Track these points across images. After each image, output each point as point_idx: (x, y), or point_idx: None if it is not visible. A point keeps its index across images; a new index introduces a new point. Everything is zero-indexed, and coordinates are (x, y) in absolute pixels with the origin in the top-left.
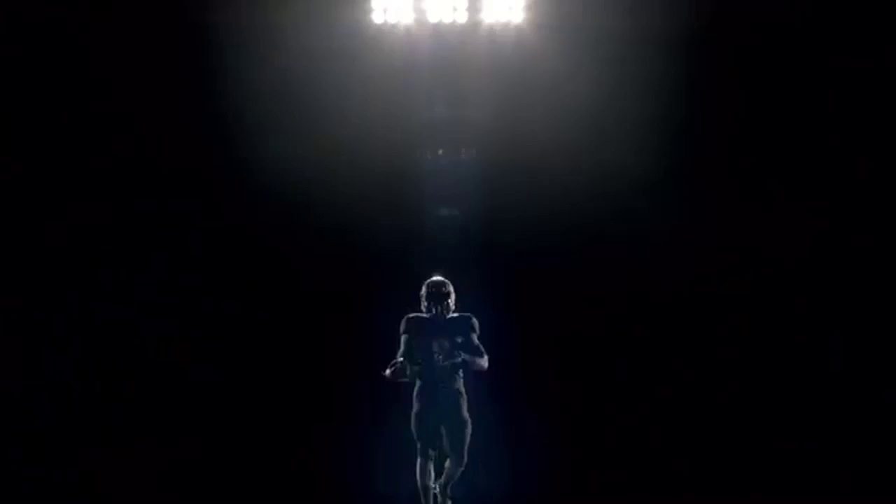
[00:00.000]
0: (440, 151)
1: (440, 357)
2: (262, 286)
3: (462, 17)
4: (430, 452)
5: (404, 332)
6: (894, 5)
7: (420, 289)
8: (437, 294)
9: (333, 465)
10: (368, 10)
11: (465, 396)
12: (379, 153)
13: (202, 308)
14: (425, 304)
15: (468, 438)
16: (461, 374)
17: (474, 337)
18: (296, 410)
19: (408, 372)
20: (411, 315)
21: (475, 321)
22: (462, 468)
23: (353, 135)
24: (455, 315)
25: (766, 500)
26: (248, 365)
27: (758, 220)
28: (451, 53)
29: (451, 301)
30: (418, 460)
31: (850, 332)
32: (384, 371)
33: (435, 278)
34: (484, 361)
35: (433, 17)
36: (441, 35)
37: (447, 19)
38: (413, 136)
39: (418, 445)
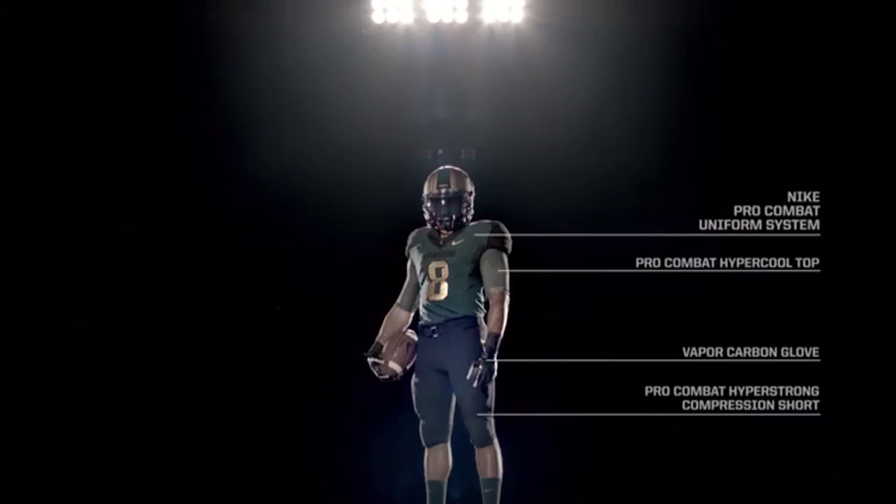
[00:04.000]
0: (440, 151)
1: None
2: (260, 285)
3: (462, 17)
4: (436, 433)
5: (407, 256)
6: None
7: None
8: (438, 195)
9: (333, 465)
10: (368, 10)
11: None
12: (379, 153)
13: (200, 307)
14: (425, 212)
15: (490, 399)
16: (478, 303)
17: (490, 261)
18: (294, 410)
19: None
20: (419, 229)
21: (498, 234)
22: (495, 449)
23: (352, 135)
24: (472, 225)
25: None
26: (247, 364)
27: (758, 220)
28: (451, 53)
29: (466, 207)
30: (425, 451)
31: (854, 334)
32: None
33: (440, 168)
34: (497, 314)
35: (433, 17)
36: (441, 35)
37: (447, 19)
38: (413, 136)
39: (421, 424)
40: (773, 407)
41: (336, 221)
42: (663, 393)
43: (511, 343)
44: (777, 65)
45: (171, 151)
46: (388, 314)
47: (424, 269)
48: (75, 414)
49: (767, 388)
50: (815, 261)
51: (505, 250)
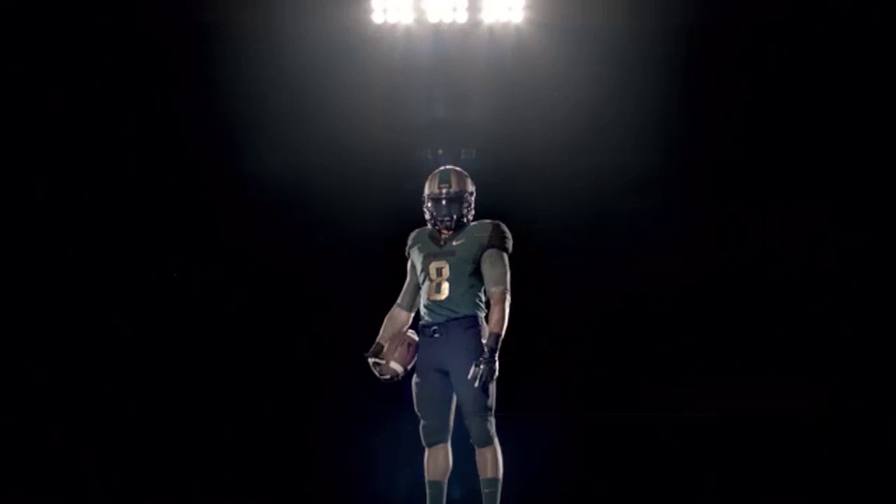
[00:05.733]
0: (440, 151)
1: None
2: (261, 285)
3: (462, 17)
4: (436, 433)
5: (407, 256)
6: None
7: None
8: (439, 195)
9: (333, 465)
10: (368, 10)
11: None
12: (379, 153)
13: (200, 306)
14: (426, 212)
15: (491, 399)
16: (479, 303)
17: (491, 260)
18: (294, 410)
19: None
20: (419, 230)
21: (499, 234)
22: (496, 449)
23: (352, 135)
24: (473, 224)
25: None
26: (247, 363)
27: (758, 221)
28: (451, 53)
29: (467, 208)
30: (425, 451)
31: (853, 334)
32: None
33: (441, 168)
34: (498, 314)
35: (433, 17)
36: (441, 35)
37: (447, 19)
38: (413, 136)
39: (421, 424)
40: (772, 407)
41: (336, 221)
42: (663, 393)
43: (512, 343)
44: (777, 64)
45: (172, 151)
46: (389, 314)
47: (425, 269)
48: (75, 414)
49: (767, 388)
50: (815, 261)
51: (506, 250)
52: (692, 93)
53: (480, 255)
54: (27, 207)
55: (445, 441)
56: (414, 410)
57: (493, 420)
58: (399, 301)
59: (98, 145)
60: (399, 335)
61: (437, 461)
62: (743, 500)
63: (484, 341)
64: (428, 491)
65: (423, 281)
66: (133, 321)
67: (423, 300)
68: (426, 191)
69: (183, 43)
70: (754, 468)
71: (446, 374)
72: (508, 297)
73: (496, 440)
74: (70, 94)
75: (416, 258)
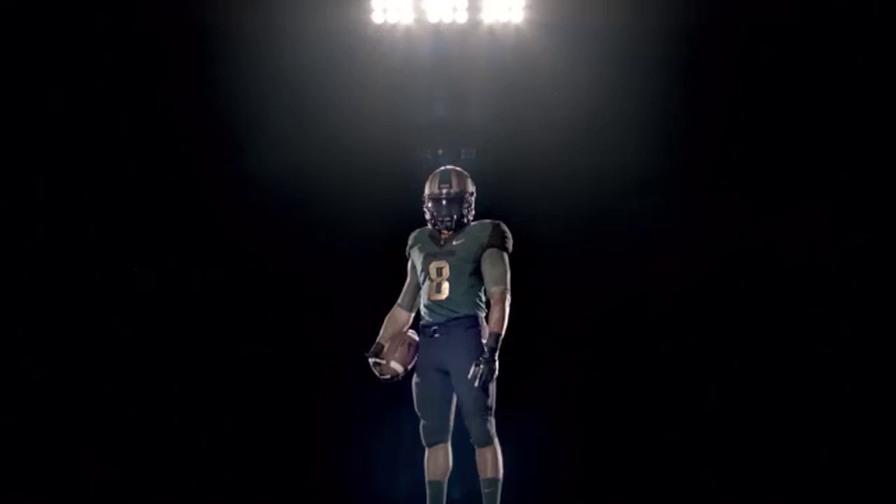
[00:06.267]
0: (440, 151)
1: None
2: (261, 285)
3: (462, 17)
4: (436, 433)
5: (407, 256)
6: (894, 5)
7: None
8: (439, 196)
9: (333, 465)
10: (368, 10)
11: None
12: (379, 153)
13: (200, 306)
14: (426, 212)
15: (491, 399)
16: (479, 302)
17: (491, 260)
18: (294, 410)
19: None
20: (419, 229)
21: (499, 233)
22: (496, 449)
23: (352, 135)
24: (473, 224)
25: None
26: (247, 363)
27: (758, 221)
28: (451, 53)
29: (467, 208)
30: (425, 451)
31: (850, 333)
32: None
33: (442, 169)
34: (499, 314)
35: (433, 17)
36: (441, 35)
37: (447, 19)
38: (413, 136)
39: (421, 424)
40: (765, 406)
41: (336, 221)
42: (664, 393)
43: (512, 342)
44: (777, 64)
45: (172, 151)
46: (389, 314)
47: (425, 269)
48: (75, 414)
49: (765, 389)
50: (815, 262)
51: (506, 250)
52: (692, 93)
53: (480, 255)
54: (27, 207)
55: (445, 441)
56: (414, 410)
57: (493, 420)
58: (399, 301)
59: (98, 145)
60: (399, 335)
61: (437, 461)
62: (743, 499)
63: (484, 341)
64: (428, 491)
65: (424, 281)
66: (133, 321)
67: (423, 300)
68: (426, 191)
69: (183, 43)
70: (754, 468)
71: (446, 373)
72: (508, 297)
73: (496, 440)
74: (70, 94)
75: (416, 258)
